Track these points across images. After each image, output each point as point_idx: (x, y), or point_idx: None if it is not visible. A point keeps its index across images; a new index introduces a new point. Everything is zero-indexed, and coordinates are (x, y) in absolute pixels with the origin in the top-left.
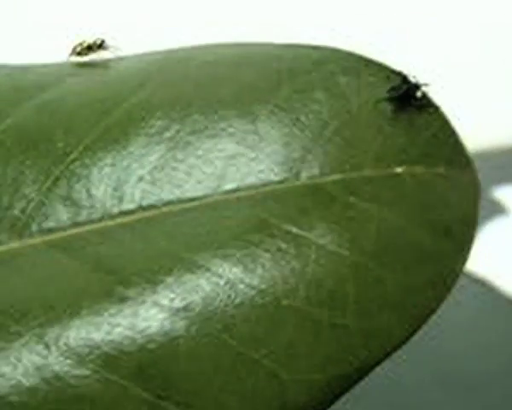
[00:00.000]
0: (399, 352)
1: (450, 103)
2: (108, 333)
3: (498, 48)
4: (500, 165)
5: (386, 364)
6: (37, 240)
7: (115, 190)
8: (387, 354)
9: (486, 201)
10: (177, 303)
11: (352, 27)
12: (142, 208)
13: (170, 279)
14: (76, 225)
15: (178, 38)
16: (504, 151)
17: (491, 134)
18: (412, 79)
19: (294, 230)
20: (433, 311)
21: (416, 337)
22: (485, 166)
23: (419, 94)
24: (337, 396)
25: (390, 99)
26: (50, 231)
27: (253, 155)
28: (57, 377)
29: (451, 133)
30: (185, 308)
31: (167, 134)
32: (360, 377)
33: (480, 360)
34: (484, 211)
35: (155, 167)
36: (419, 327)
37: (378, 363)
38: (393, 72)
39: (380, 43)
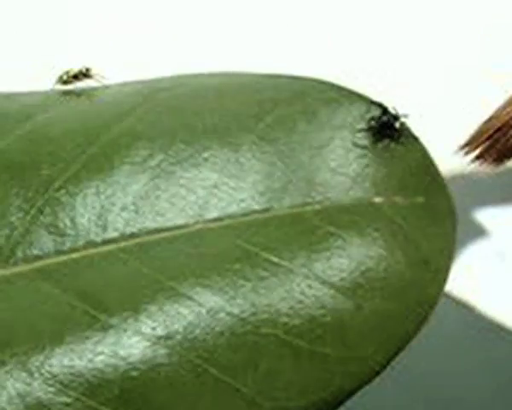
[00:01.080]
0: (387, 378)
1: (429, 125)
2: (91, 361)
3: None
4: (480, 187)
5: (365, 389)
6: (22, 268)
7: (99, 218)
8: (367, 381)
9: (466, 223)
10: (159, 331)
11: (335, 57)
12: (125, 237)
13: (152, 308)
14: (60, 253)
15: (162, 67)
16: (482, 174)
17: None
18: (392, 111)
19: (275, 259)
20: (410, 338)
21: (396, 360)
22: (465, 187)
23: (398, 125)
24: None
25: (369, 129)
26: (35, 258)
27: (234, 184)
28: (40, 404)
29: (430, 164)
30: (167, 337)
31: (151, 163)
32: (339, 403)
33: (462, 382)
34: (464, 233)
35: (139, 196)
36: (397, 354)
37: (357, 389)
38: (374, 103)
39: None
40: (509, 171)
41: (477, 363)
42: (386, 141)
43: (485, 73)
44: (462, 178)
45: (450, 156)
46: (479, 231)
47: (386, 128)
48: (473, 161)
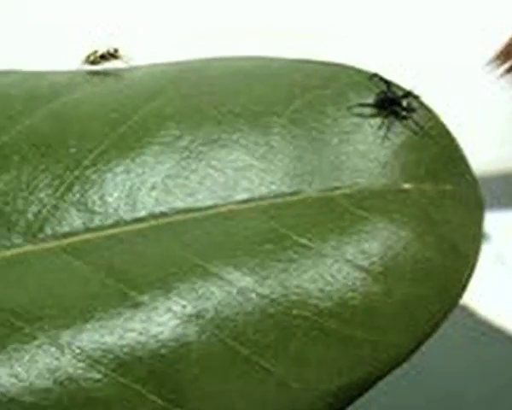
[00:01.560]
0: (388, 379)
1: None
2: (121, 337)
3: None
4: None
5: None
6: (51, 244)
7: (128, 196)
8: (395, 366)
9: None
10: (190, 310)
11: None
12: (154, 216)
13: (183, 286)
14: (89, 230)
15: (191, 50)
16: (484, 177)
17: (471, 161)
18: (397, 88)
19: (306, 241)
20: (439, 323)
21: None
22: None
23: (405, 102)
24: (343, 406)
25: (375, 104)
26: (64, 235)
27: (264, 166)
28: (70, 379)
29: (458, 151)
30: (197, 315)
31: (181, 143)
32: (367, 388)
33: (459, 383)
34: None
35: (168, 176)
36: (425, 340)
37: (385, 374)
38: (401, 88)
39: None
40: (509, 175)
41: (475, 365)
42: (392, 117)
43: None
44: None
45: None
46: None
47: (392, 104)
48: (502, 75)
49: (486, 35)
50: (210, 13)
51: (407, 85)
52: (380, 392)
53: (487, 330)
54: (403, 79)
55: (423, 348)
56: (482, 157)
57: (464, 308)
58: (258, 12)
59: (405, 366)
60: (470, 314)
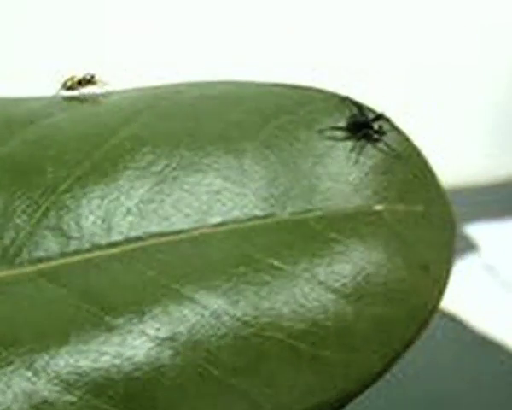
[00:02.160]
0: (375, 388)
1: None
2: (96, 361)
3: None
4: (469, 202)
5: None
6: (27, 269)
7: (104, 221)
8: (367, 385)
9: (457, 237)
10: (163, 333)
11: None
12: (129, 240)
13: (156, 309)
14: (65, 255)
15: (166, 74)
16: (472, 188)
17: (457, 172)
18: (369, 112)
19: (278, 264)
20: (411, 343)
21: (389, 374)
22: (455, 203)
23: (376, 126)
24: None
25: (347, 127)
26: (40, 260)
27: (238, 190)
28: (46, 402)
29: (429, 172)
30: (171, 338)
31: (155, 168)
32: (341, 407)
33: (449, 392)
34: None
35: (143, 200)
36: (397, 359)
37: (358, 393)
38: (372, 111)
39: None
40: (498, 186)
41: (466, 375)
42: (363, 140)
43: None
44: (453, 193)
45: (440, 172)
46: (469, 246)
47: (364, 127)
48: None
49: (471, 43)
50: (185, 38)
51: (386, 102)
52: (372, 404)
53: (477, 341)
54: (383, 94)
55: (414, 359)
56: (470, 168)
57: (454, 319)
58: (233, 35)
59: (394, 376)
60: (460, 325)
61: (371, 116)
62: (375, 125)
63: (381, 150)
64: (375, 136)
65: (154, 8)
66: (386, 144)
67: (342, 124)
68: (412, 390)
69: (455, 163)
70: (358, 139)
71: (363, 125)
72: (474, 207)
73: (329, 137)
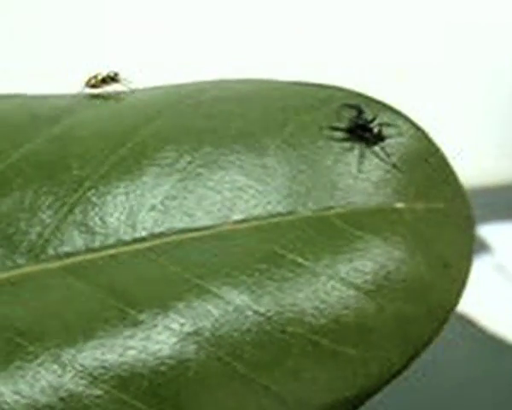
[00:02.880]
0: (388, 389)
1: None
2: (121, 355)
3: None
4: (481, 203)
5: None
6: (53, 264)
7: (128, 217)
8: (386, 382)
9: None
10: (188, 328)
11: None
12: (153, 236)
13: (180, 305)
14: (90, 250)
15: (188, 72)
16: (485, 189)
17: (470, 173)
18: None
19: (300, 260)
20: (430, 340)
21: (403, 375)
22: None
23: (375, 129)
24: None
25: (347, 128)
26: (66, 255)
27: (260, 187)
28: (72, 396)
29: (448, 170)
30: (195, 333)
31: (179, 165)
32: (360, 403)
33: (459, 392)
34: None
35: (167, 197)
36: (417, 356)
37: (377, 390)
38: (396, 112)
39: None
40: (510, 187)
41: (476, 375)
42: (361, 144)
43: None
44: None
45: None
46: (481, 246)
47: (362, 130)
48: None
49: (482, 44)
50: (207, 37)
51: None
52: (382, 404)
53: (488, 341)
54: (398, 88)
55: (424, 359)
56: (482, 169)
57: (465, 319)
58: (257, 35)
59: (406, 376)
60: (471, 325)
61: (372, 118)
62: (375, 129)
63: (400, 148)
64: (397, 133)
65: (171, 9)
66: (406, 143)
67: (344, 125)
68: (423, 390)
69: (467, 164)
70: (379, 137)
71: (363, 128)
72: (487, 208)
73: (328, 137)
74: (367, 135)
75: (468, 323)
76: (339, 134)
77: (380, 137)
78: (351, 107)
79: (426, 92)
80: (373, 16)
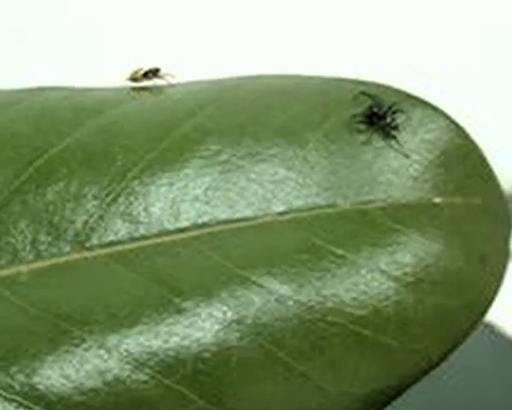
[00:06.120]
0: (411, 398)
1: None
2: (166, 341)
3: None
4: None
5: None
6: (98, 252)
7: (172, 207)
8: (424, 373)
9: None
10: (231, 316)
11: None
12: (196, 226)
13: (223, 293)
14: (134, 239)
15: (230, 67)
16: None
17: (510, 170)
18: (385, 104)
19: (341, 252)
20: (467, 333)
21: (428, 381)
22: None
23: (389, 119)
24: None
25: (363, 116)
26: (110, 244)
27: (301, 179)
28: (117, 380)
29: (486, 166)
30: (238, 321)
31: (221, 157)
32: (398, 394)
33: (487, 403)
34: None
35: (210, 188)
36: (454, 348)
37: (415, 381)
38: (434, 108)
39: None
40: None
41: (499, 380)
42: (378, 131)
43: None
44: None
45: None
46: None
47: (377, 118)
48: None
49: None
50: (244, 35)
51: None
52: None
53: (509, 347)
54: (429, 89)
55: (446, 363)
56: (506, 173)
57: (491, 326)
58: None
59: (428, 380)
60: (497, 331)
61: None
62: (389, 119)
63: (439, 144)
64: (386, 129)
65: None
66: (422, 145)
67: (360, 111)
68: (445, 395)
69: (504, 163)
70: (375, 130)
71: (380, 117)
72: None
73: (367, 131)
74: (404, 132)
75: (489, 327)
76: (378, 129)
77: (394, 127)
78: (385, 103)
79: (466, 92)
80: (416, 19)
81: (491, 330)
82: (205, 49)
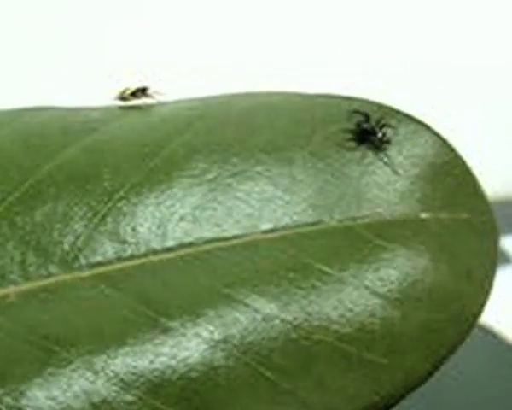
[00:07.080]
0: (408, 399)
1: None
2: (152, 362)
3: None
4: (506, 214)
5: None
6: (85, 273)
7: (159, 227)
8: (411, 389)
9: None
10: (217, 335)
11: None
12: (183, 245)
13: (210, 313)
14: (121, 259)
15: (218, 85)
16: (505, 201)
17: (490, 184)
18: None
19: (327, 269)
20: (454, 348)
21: (425, 388)
22: None
23: (380, 134)
24: None
25: (354, 131)
26: (97, 264)
27: (288, 197)
28: (104, 402)
29: (473, 180)
30: (224, 340)
31: (208, 176)
32: None
33: (488, 407)
34: None
35: (196, 207)
36: (441, 364)
37: (401, 397)
38: (420, 123)
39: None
40: None
41: (499, 386)
42: (367, 147)
43: None
44: None
45: None
46: (503, 258)
47: (367, 134)
48: None
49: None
50: (230, 52)
51: (412, 104)
52: None
53: (510, 352)
54: (412, 100)
55: (446, 370)
56: (506, 180)
57: (487, 330)
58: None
59: (428, 387)
60: (494, 336)
61: (395, 130)
62: (379, 134)
63: (426, 159)
64: (378, 144)
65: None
66: (407, 160)
67: (348, 128)
68: (445, 402)
69: (491, 176)
70: (382, 152)
71: (387, 140)
72: (508, 220)
73: (353, 148)
74: (390, 147)
75: (489, 334)
76: (363, 145)
77: (385, 141)
78: (373, 119)
79: (450, 105)
80: (412, 26)
81: (491, 334)
82: (201, 56)
